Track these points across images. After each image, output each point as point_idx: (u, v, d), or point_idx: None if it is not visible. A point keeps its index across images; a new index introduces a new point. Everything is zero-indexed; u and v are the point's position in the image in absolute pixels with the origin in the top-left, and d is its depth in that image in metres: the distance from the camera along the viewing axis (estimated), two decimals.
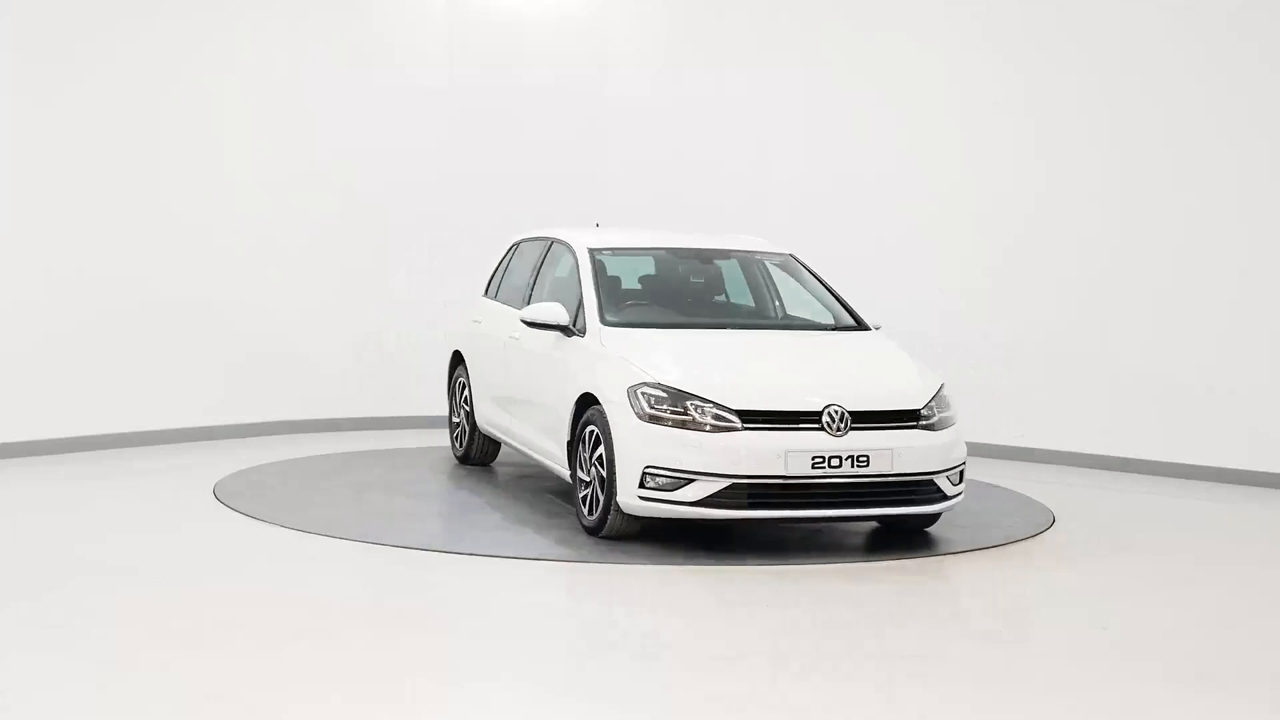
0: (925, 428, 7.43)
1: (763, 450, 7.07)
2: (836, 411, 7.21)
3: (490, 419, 9.36)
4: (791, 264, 9.01)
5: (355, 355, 11.70)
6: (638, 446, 7.22)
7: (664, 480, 7.14)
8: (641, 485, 7.20)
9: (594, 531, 7.56)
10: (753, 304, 8.97)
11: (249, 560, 7.14)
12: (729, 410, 7.15)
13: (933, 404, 7.56)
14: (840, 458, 7.12)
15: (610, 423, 7.36)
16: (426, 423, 11.49)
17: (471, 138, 11.93)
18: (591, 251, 8.59)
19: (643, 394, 7.28)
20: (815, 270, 9.01)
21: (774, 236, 9.69)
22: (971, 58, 11.13)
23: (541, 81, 12.06)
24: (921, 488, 7.38)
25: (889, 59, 11.46)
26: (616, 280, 8.68)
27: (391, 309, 11.77)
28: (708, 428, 7.12)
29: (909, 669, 5.52)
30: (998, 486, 9.63)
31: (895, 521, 7.81)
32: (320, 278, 11.50)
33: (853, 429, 7.22)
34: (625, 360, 7.57)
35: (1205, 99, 10.15)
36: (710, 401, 7.18)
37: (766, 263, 9.05)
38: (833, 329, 8.48)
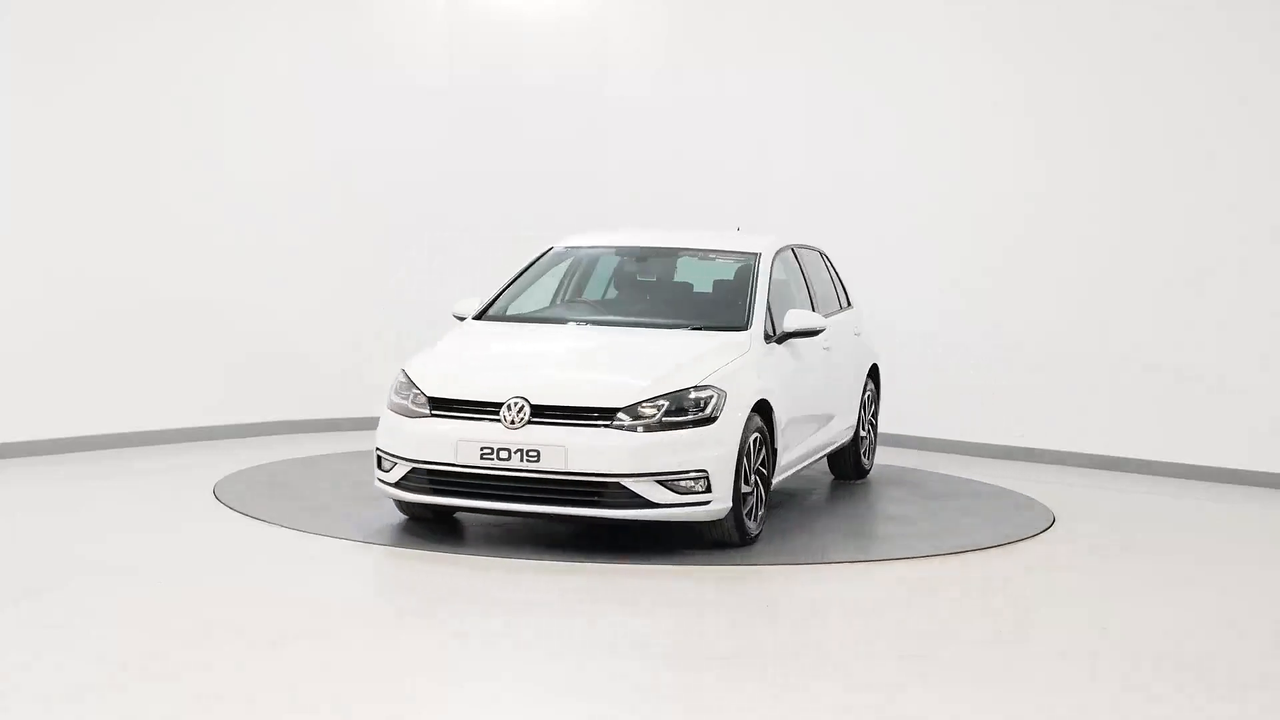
0: (622, 428, 7.02)
1: (437, 437, 7.22)
2: (515, 404, 7.10)
3: None
4: (755, 262, 8.45)
5: (355, 355, 11.69)
6: (379, 430, 7.57)
7: (383, 463, 7.50)
8: (378, 466, 7.54)
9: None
10: (673, 303, 8.52)
11: (249, 560, 7.14)
12: (425, 397, 7.34)
13: (656, 404, 7.07)
14: (510, 451, 7.05)
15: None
16: None
17: (471, 138, 11.93)
18: (552, 249, 8.85)
19: (398, 381, 7.60)
20: (763, 272, 8.41)
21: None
22: (971, 58, 11.12)
23: (541, 81, 12.05)
24: (610, 491, 7.00)
25: (889, 59, 11.45)
26: (576, 276, 8.85)
27: (391, 309, 11.77)
28: (412, 414, 7.36)
29: (909, 669, 5.52)
30: (998, 486, 9.63)
31: (689, 529, 7.32)
32: (320, 278, 11.50)
33: (537, 423, 7.05)
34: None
35: (1205, 99, 10.15)
36: (417, 389, 7.41)
37: (727, 261, 8.69)
38: (708, 329, 7.90)
